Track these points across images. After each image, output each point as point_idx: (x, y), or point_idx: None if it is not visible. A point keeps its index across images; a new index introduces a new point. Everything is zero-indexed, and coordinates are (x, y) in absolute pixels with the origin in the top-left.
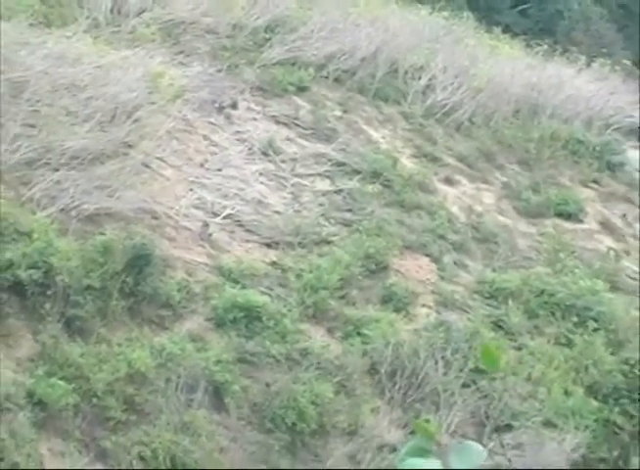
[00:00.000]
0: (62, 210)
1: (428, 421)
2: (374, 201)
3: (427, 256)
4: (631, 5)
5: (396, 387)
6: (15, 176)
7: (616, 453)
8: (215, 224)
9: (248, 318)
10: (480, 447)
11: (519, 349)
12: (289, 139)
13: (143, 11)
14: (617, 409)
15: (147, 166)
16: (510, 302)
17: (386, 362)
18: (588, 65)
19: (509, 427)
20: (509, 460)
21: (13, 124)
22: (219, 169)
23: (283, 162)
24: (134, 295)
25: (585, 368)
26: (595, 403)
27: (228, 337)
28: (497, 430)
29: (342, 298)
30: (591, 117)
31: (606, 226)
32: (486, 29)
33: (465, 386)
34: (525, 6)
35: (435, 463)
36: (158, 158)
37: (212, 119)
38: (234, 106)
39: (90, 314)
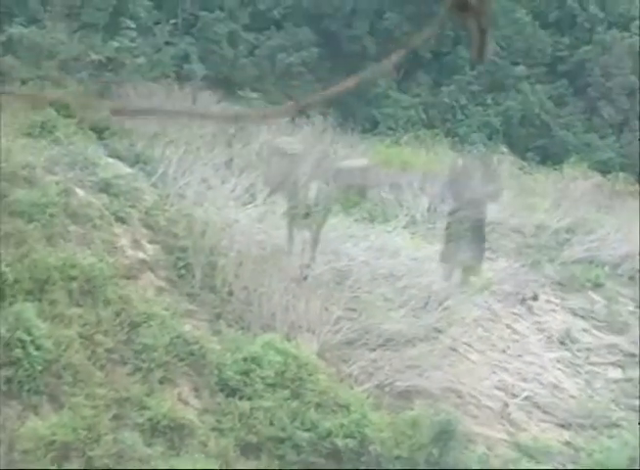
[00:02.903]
0: (377, 386)
1: None
2: None
3: None
4: None
5: None
6: (336, 354)
7: None
8: (515, 405)
9: None
10: None
11: None
12: (584, 330)
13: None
14: None
15: (454, 350)
16: None
17: None
18: None
19: None
20: None
21: (336, 308)
22: (519, 355)
23: (578, 351)
24: (438, 465)
25: None
26: None
27: None
28: None
29: None
30: None
31: None
32: None
33: None
34: None
35: None
36: (464, 343)
37: (515, 310)
38: (535, 298)
39: None
